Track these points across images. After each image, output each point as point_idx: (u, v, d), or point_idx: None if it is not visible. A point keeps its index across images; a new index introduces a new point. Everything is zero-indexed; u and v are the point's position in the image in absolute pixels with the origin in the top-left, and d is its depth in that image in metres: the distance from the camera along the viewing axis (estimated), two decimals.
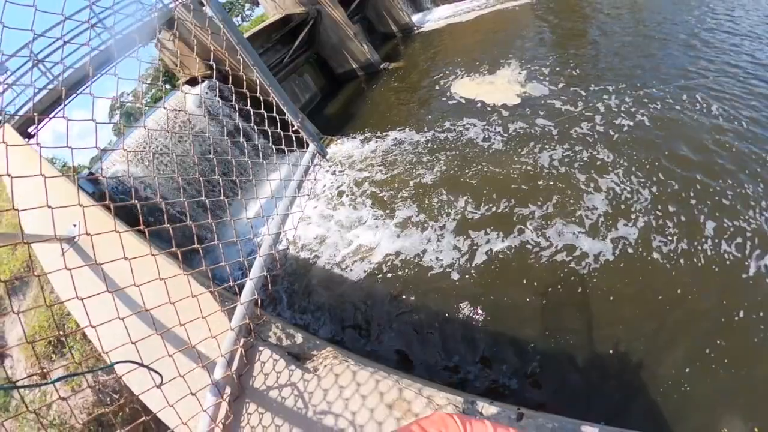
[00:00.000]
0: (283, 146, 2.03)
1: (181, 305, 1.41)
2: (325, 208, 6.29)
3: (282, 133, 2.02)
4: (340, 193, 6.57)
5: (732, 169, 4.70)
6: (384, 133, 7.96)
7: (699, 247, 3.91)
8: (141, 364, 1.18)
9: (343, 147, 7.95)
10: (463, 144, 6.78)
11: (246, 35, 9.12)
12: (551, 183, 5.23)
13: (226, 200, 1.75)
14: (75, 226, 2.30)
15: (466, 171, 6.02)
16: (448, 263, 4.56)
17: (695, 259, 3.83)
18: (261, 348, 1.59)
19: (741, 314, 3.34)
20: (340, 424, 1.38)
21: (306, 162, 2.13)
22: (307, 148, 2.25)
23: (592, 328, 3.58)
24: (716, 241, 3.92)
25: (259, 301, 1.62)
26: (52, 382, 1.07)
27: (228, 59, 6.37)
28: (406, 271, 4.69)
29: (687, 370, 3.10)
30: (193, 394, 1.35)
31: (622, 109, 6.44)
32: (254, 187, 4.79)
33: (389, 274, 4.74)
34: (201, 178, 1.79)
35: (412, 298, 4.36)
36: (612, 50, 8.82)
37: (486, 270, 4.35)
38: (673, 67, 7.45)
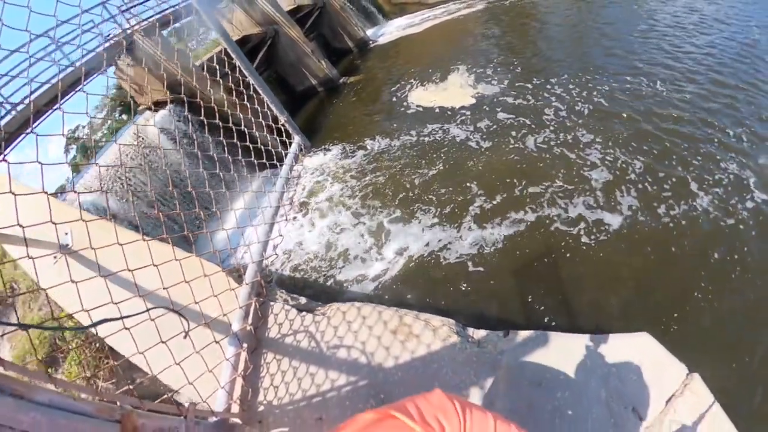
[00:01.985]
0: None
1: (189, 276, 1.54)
2: (339, 219, 6.07)
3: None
4: (345, 204, 6.39)
5: (691, 135, 5.62)
6: (360, 144, 8.04)
7: (690, 203, 4.63)
8: (172, 309, 1.33)
9: (321, 159, 8.00)
10: (448, 143, 7.02)
11: (203, 59, 9.23)
12: (547, 164, 5.70)
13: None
14: (67, 234, 2.36)
15: (463, 166, 6.26)
16: (479, 247, 4.78)
17: (684, 216, 4.50)
18: (272, 303, 1.76)
19: (716, 256, 4.00)
20: (352, 354, 1.57)
21: (294, 150, 2.36)
22: (291, 140, 2.49)
23: (601, 281, 4.04)
24: (699, 196, 4.67)
25: (264, 262, 1.80)
26: (92, 326, 1.19)
27: (189, 81, 6.49)
28: (436, 262, 4.81)
29: (675, 315, 3.59)
30: (216, 342, 1.50)
31: (574, 95, 7.18)
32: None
33: (422, 266, 4.84)
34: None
35: (444, 282, 4.56)
36: (550, 49, 9.80)
37: (509, 249, 4.66)
38: (613, 57, 8.44)
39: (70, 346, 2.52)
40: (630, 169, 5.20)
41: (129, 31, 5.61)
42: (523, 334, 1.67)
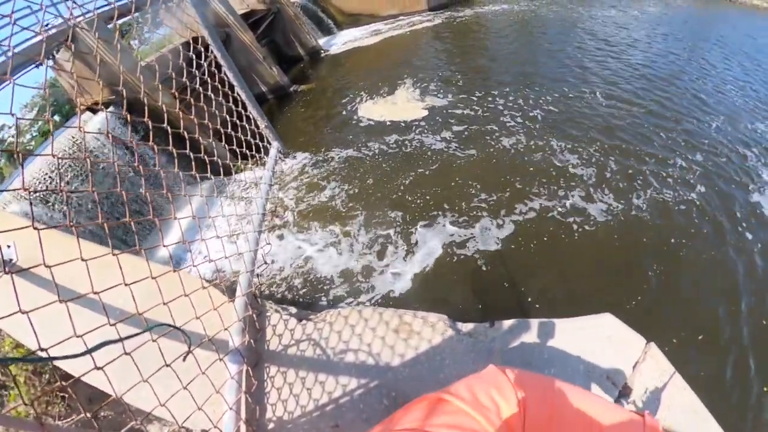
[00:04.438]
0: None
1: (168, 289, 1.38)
2: (319, 229, 5.60)
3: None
4: (350, 208, 5.89)
5: (637, 136, 6.46)
6: (321, 155, 7.59)
7: (649, 195, 5.29)
8: (175, 327, 1.19)
9: (285, 168, 7.48)
10: (422, 151, 6.89)
11: (149, 59, 8.38)
12: (527, 165, 6.02)
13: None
14: (9, 247, 1.99)
15: (447, 171, 6.24)
16: (496, 241, 4.90)
17: (646, 207, 5.12)
18: (269, 313, 1.65)
19: (672, 240, 4.58)
20: (360, 357, 1.52)
21: (273, 156, 2.24)
22: (270, 145, 2.36)
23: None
24: (657, 189, 5.38)
25: (256, 271, 1.69)
26: (89, 351, 1.03)
27: (135, 81, 5.80)
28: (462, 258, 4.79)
29: (638, 296, 4.03)
30: (221, 359, 1.37)
31: (521, 104, 7.72)
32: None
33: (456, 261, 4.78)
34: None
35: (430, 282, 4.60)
36: (493, 63, 10.41)
37: (512, 237, 4.89)
38: (553, 69, 9.22)
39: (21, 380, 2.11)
40: (604, 166, 5.81)
41: (72, 22, 4.85)
42: (507, 323, 1.75)
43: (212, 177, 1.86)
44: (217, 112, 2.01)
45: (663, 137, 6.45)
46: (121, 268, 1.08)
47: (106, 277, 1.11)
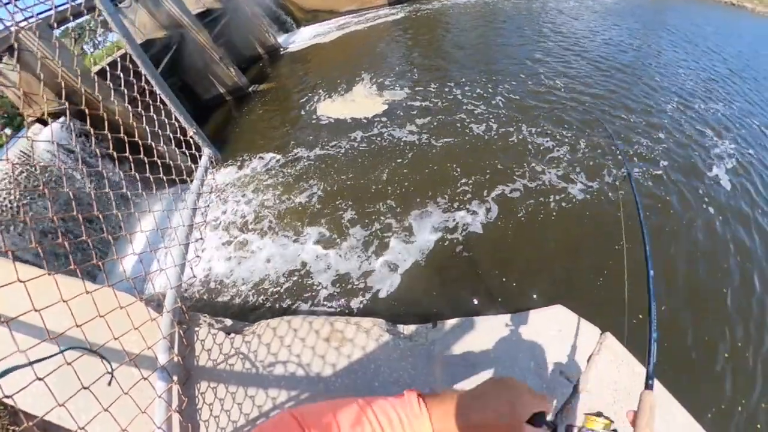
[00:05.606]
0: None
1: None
2: (284, 233, 5.44)
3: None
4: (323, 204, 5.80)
5: (606, 119, 6.81)
6: (294, 153, 7.39)
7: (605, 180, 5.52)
8: (90, 350, 1.14)
9: (242, 172, 7.28)
10: (393, 144, 6.86)
11: (101, 65, 7.94)
12: (504, 149, 6.21)
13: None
14: None
15: (424, 161, 6.29)
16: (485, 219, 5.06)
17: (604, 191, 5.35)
18: (197, 329, 1.60)
19: (646, 213, 4.70)
20: (289, 368, 1.50)
21: (204, 164, 2.16)
22: (200, 153, 2.28)
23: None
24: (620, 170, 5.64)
25: (183, 285, 1.63)
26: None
27: (87, 90, 5.40)
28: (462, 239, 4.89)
29: (602, 279, 4.17)
30: (145, 379, 1.32)
31: (480, 93, 7.87)
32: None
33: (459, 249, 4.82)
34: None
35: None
36: (447, 56, 10.53)
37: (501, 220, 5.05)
38: (510, 60, 9.45)
39: None
40: (574, 147, 6.07)
41: (14, 28, 4.46)
42: (451, 323, 1.70)
43: (155, 191, 1.79)
44: (159, 131, 1.91)
45: (624, 118, 6.83)
46: (29, 294, 1.03)
47: (37, 298, 1.07)
